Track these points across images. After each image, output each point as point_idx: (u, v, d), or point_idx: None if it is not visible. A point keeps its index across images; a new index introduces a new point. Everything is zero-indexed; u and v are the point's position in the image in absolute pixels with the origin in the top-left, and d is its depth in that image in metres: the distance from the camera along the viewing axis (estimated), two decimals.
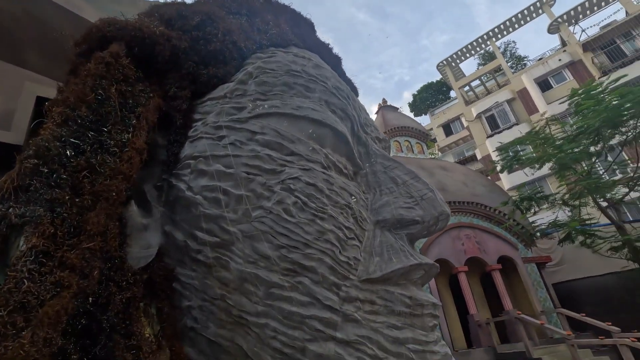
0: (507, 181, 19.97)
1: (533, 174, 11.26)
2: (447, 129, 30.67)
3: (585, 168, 9.29)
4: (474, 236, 9.50)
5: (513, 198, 10.83)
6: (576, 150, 8.94)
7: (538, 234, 10.50)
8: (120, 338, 0.63)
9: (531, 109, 22.28)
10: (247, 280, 0.76)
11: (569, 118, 12.14)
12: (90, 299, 0.61)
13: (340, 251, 0.82)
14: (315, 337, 0.73)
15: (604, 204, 9.72)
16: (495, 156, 13.12)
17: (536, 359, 6.98)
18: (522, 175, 16.61)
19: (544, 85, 22.64)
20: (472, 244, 9.39)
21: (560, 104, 12.25)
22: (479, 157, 25.38)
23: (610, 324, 6.66)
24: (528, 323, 7.50)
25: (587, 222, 9.69)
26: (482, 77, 27.67)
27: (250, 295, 0.76)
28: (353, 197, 0.93)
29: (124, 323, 0.65)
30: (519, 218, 10.30)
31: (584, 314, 7.42)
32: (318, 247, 0.79)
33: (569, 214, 10.28)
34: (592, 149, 9.18)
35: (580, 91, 9.19)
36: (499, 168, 11.81)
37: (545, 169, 11.32)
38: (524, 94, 23.35)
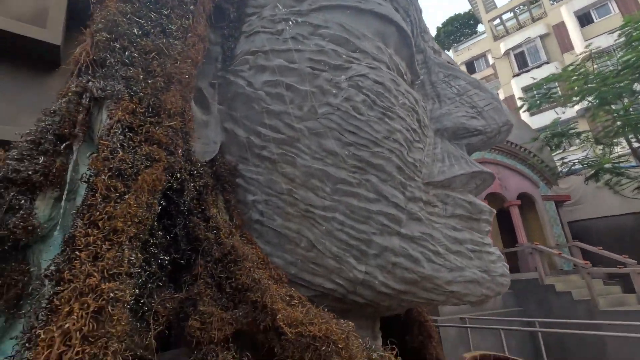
0: (529, 123, 19.03)
1: (564, 112, 10.61)
2: (470, 66, 28.62)
3: (625, 105, 8.60)
4: (497, 172, 9.31)
5: (543, 135, 10.33)
6: (621, 85, 8.22)
7: (563, 171, 10.18)
8: (199, 220, 0.65)
9: (566, 46, 20.32)
10: (314, 176, 0.76)
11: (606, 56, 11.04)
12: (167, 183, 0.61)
13: (407, 152, 0.81)
14: (381, 231, 0.75)
15: (635, 145, 9.22)
16: (521, 94, 12.32)
17: (548, 285, 7.20)
18: (545, 118, 15.63)
19: (584, 19, 20.33)
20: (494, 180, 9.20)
21: (609, 34, 11.04)
22: (502, 97, 24.00)
23: (626, 256, 6.68)
24: (544, 253, 7.61)
25: (617, 161, 9.29)
26: (516, 9, 25.06)
27: (317, 191, 0.76)
28: (417, 101, 0.89)
29: (200, 207, 0.66)
30: (547, 155, 9.93)
31: (600, 247, 7.44)
32: (387, 146, 0.78)
33: (599, 152, 9.83)
34: (635, 85, 8.43)
35: (635, 20, 8.22)
36: (525, 107, 11.16)
37: (572, 112, 10.67)
38: (560, 28, 21.15)
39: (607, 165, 9.30)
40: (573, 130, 9.92)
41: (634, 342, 5.55)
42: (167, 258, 0.59)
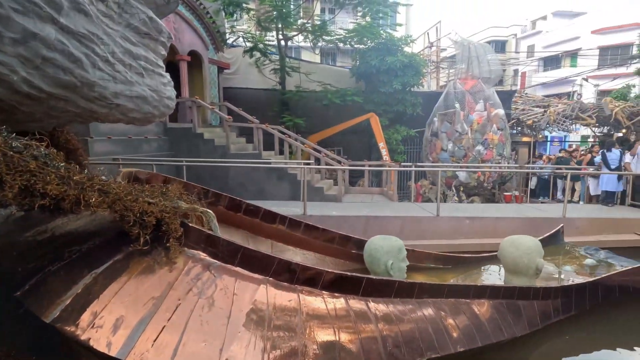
0: None
1: None
2: None
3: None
4: (174, 23, 8.91)
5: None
6: None
7: (230, 41, 11.31)
8: None
9: None
10: None
11: None
12: None
13: None
14: (29, 10, 0.58)
15: (280, 37, 11.68)
16: None
17: (199, 133, 8.52)
18: None
19: None
20: (170, 29, 8.81)
21: None
22: None
23: (255, 117, 9.09)
24: (200, 108, 8.77)
25: (267, 43, 11.50)
26: None
27: None
28: None
29: None
30: (221, 21, 10.51)
31: (241, 109, 9.47)
32: None
33: (258, 33, 11.67)
34: None
35: None
36: None
37: None
38: None
39: (260, 45, 11.32)
40: (245, 5, 11.04)
41: (244, 172, 7.97)
42: None
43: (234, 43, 12.64)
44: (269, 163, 8.06)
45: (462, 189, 11.15)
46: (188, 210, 2.13)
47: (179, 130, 8.77)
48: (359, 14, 12.42)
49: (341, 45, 12.40)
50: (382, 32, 11.74)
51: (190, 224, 2.10)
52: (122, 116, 2.42)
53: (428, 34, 16.27)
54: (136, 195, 1.87)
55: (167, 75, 2.64)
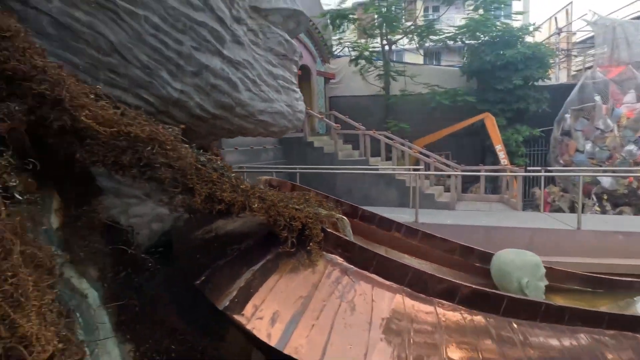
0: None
1: None
2: None
3: (388, 3, 10.41)
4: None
5: (330, 13, 11.30)
6: None
7: (336, 52, 11.82)
8: None
9: None
10: None
11: None
12: None
13: None
14: (203, 47, 0.68)
15: (384, 42, 11.67)
16: None
17: (309, 142, 9.07)
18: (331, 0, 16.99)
19: None
20: None
21: None
22: None
23: (361, 124, 9.28)
24: (310, 117, 9.37)
25: (372, 50, 11.64)
26: None
27: None
28: None
29: None
30: (328, 34, 11.09)
31: (347, 116, 9.77)
32: None
33: (363, 42, 11.92)
34: None
35: None
36: None
37: (349, 3, 12.07)
38: None
39: (366, 53, 11.50)
40: (352, 16, 11.37)
41: (351, 178, 8.14)
42: None
43: (339, 53, 13.12)
44: (377, 169, 8.07)
45: (605, 197, 9.33)
46: (327, 217, 2.26)
47: (291, 140, 9.46)
48: (470, 7, 11.58)
49: (450, 43, 11.73)
50: (497, 23, 10.71)
51: (329, 230, 2.23)
52: (264, 130, 2.68)
53: (556, 18, 14.17)
54: (286, 202, 2.08)
55: (299, 90, 2.81)
